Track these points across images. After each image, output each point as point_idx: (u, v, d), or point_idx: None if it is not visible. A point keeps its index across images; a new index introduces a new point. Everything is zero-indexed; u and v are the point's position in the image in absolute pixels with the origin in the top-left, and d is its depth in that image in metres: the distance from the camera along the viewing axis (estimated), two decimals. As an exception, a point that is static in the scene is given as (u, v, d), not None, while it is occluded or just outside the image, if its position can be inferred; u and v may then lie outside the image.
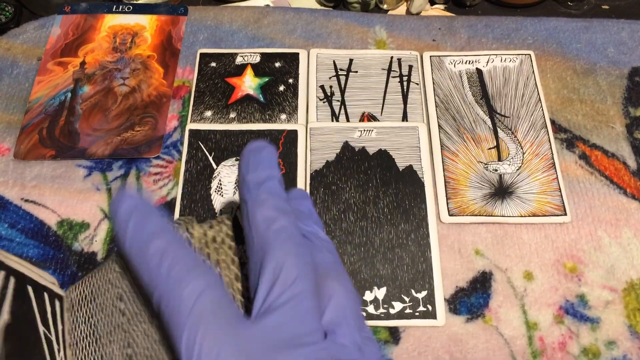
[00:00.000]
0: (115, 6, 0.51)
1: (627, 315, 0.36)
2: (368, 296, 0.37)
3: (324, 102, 0.45)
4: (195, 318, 0.20)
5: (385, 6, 0.52)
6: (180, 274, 0.21)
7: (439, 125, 0.44)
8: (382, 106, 0.45)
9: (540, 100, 0.45)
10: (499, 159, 0.42)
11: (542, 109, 0.44)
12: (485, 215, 0.40)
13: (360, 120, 0.44)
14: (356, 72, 0.47)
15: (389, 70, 0.47)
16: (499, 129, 0.43)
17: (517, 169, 0.42)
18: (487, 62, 0.47)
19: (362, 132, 0.43)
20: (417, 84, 0.46)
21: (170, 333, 0.21)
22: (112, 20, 0.50)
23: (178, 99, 0.46)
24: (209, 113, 0.45)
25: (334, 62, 0.47)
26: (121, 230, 0.23)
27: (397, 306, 0.37)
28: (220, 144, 0.43)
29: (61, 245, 0.39)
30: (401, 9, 0.52)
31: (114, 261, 0.27)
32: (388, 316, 0.36)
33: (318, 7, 0.53)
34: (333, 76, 0.47)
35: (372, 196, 0.41)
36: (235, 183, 0.41)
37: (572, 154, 0.43)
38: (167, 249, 0.22)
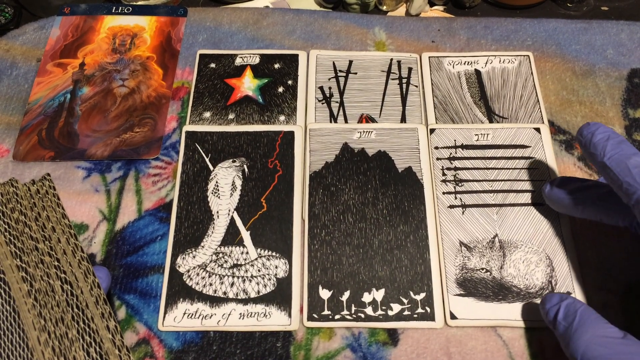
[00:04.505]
0: (114, 7, 0.51)
1: (625, 317, 0.36)
2: (366, 298, 0.37)
3: (322, 104, 0.45)
4: None
5: (384, 7, 0.52)
6: None
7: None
8: (381, 108, 0.45)
9: (538, 101, 0.45)
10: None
11: (541, 111, 0.44)
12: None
13: (358, 122, 0.44)
14: (355, 73, 0.47)
15: (389, 72, 0.47)
16: (497, 131, 0.44)
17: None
18: (486, 63, 0.47)
19: (362, 133, 0.43)
20: (417, 86, 0.46)
21: None
22: (112, 22, 0.50)
23: (177, 100, 0.46)
24: (207, 114, 0.45)
25: (333, 63, 0.47)
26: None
27: (396, 308, 0.37)
28: (217, 145, 0.43)
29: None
30: (400, 11, 0.52)
31: None
32: (386, 318, 0.36)
33: (317, 8, 0.53)
34: (332, 77, 0.47)
35: (371, 198, 0.41)
36: (232, 185, 0.41)
37: (571, 156, 0.43)
38: None
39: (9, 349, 0.29)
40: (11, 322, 0.30)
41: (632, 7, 0.53)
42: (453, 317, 0.36)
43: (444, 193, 0.41)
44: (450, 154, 0.42)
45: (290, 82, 0.46)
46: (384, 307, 0.37)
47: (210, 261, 0.38)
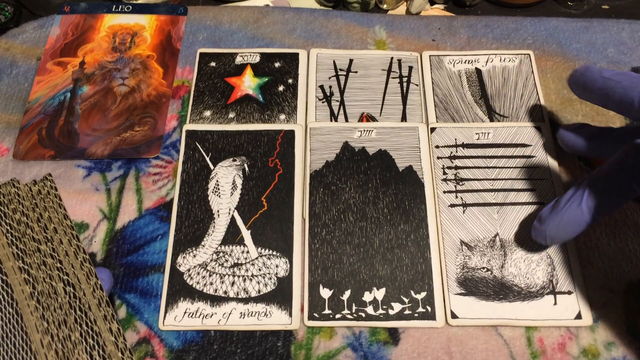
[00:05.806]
0: (114, 6, 0.51)
1: (626, 316, 0.36)
2: (367, 297, 0.37)
3: (323, 102, 0.45)
4: None
5: (384, 6, 0.52)
6: None
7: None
8: (382, 107, 0.45)
9: (539, 100, 0.45)
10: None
11: (542, 109, 0.44)
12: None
13: (359, 121, 0.44)
14: (356, 72, 0.47)
15: (389, 71, 0.47)
16: (498, 129, 0.43)
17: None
18: (487, 61, 0.47)
19: (362, 132, 0.43)
20: (417, 85, 0.46)
21: None
22: (112, 20, 0.50)
23: (177, 98, 0.46)
24: (208, 113, 0.45)
25: (333, 62, 0.47)
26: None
27: (397, 307, 0.37)
28: (217, 144, 0.43)
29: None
30: (401, 9, 0.52)
31: None
32: (387, 317, 0.36)
33: (318, 7, 0.53)
34: (333, 76, 0.47)
35: (372, 196, 0.41)
36: (232, 183, 0.41)
37: (572, 155, 0.42)
38: None
39: (12, 351, 0.29)
40: (14, 324, 0.30)
41: (632, 5, 0.53)
42: (454, 316, 0.36)
43: (444, 192, 0.41)
44: (451, 152, 0.42)
45: (290, 80, 0.46)
46: (384, 306, 0.37)
47: (211, 260, 0.38)
